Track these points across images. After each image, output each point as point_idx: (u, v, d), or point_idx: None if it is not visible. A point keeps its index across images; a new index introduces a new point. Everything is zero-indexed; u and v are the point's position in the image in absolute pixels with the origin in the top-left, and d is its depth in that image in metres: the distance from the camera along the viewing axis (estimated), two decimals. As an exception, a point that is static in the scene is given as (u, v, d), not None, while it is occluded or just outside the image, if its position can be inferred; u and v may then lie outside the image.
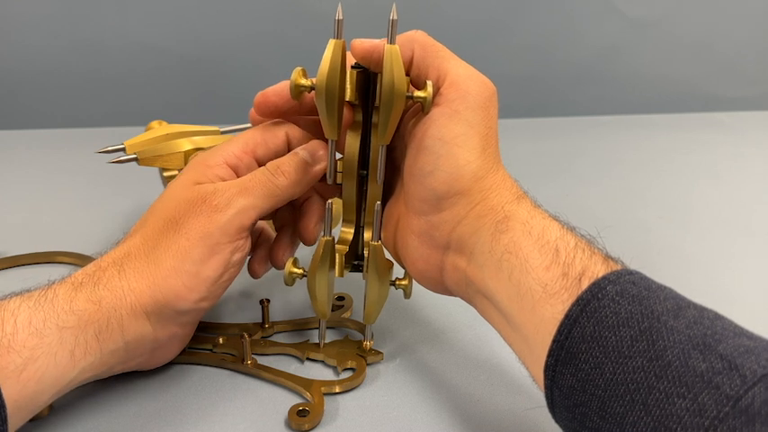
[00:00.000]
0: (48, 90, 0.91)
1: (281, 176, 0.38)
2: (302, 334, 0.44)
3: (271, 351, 0.42)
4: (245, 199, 0.36)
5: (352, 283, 0.47)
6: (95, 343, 0.33)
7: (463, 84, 0.35)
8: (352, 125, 0.39)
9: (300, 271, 0.39)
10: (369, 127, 0.39)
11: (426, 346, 0.44)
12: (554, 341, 0.29)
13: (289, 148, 0.40)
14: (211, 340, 0.43)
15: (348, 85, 0.37)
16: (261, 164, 0.39)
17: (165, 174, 0.52)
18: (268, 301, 0.44)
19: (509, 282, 0.32)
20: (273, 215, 0.43)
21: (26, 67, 0.89)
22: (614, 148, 0.85)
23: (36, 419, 0.36)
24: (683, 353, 0.26)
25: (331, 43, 0.34)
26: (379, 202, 0.37)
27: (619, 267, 0.30)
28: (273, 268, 0.43)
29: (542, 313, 0.30)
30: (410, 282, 0.40)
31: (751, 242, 0.60)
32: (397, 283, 0.40)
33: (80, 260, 0.52)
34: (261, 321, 0.45)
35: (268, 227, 0.45)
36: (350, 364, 0.41)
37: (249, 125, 0.41)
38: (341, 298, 0.47)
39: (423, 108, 0.35)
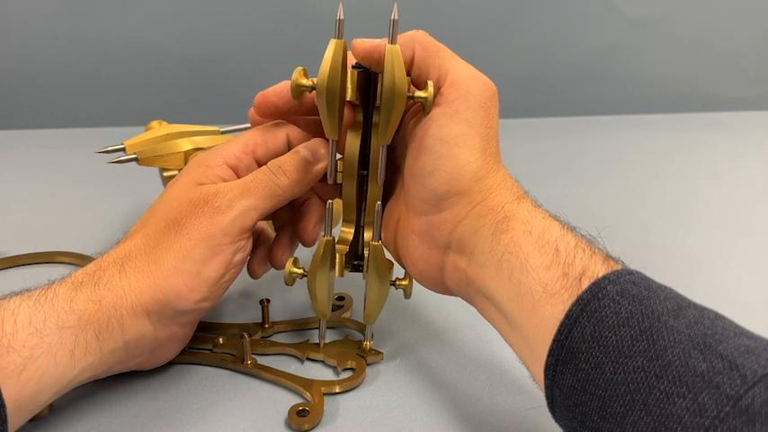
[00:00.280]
0: (48, 90, 0.91)
1: (283, 176, 0.38)
2: (302, 334, 0.44)
3: (271, 351, 0.42)
4: (247, 200, 0.36)
5: (352, 283, 0.47)
6: (95, 342, 0.33)
7: (464, 84, 0.35)
8: (352, 125, 0.39)
9: (300, 271, 0.39)
10: (369, 127, 0.39)
11: (426, 346, 0.44)
12: (554, 341, 0.29)
13: (289, 149, 0.40)
14: (211, 340, 0.43)
15: (349, 85, 0.37)
16: (261, 165, 0.39)
17: (165, 174, 0.52)
18: (268, 301, 0.44)
19: (509, 282, 0.32)
20: (273, 215, 0.43)
21: (26, 67, 0.89)
22: (614, 148, 0.85)
23: (36, 419, 0.36)
24: (684, 353, 0.26)
25: (332, 43, 0.34)
26: (379, 202, 0.37)
27: (619, 267, 0.30)
28: (273, 268, 0.43)
29: (543, 313, 0.30)
30: (410, 282, 0.40)
31: (751, 242, 0.60)
32: (398, 283, 0.40)
33: (80, 260, 0.52)
34: (261, 321, 0.45)
35: (268, 227, 0.45)
36: (350, 364, 0.41)
37: (249, 125, 0.41)
38: (341, 298, 0.47)
39: (423, 108, 0.35)
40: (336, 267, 0.40)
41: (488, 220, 0.34)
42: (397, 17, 0.34)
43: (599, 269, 0.30)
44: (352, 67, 0.37)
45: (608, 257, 0.31)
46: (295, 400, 0.38)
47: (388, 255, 0.40)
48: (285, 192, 0.38)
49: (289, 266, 0.39)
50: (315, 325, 0.45)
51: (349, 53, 0.37)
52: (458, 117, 0.34)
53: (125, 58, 0.90)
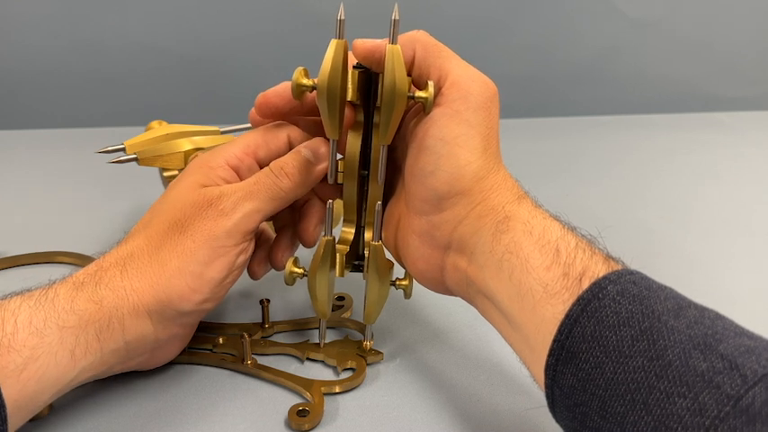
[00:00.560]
0: (48, 90, 0.91)
1: (285, 179, 0.38)
2: (302, 334, 0.44)
3: (271, 351, 0.42)
4: (251, 203, 0.37)
5: (353, 283, 0.47)
6: (96, 342, 0.33)
7: (465, 84, 0.35)
8: (353, 125, 0.39)
9: (301, 271, 0.39)
10: (370, 127, 0.39)
11: (426, 346, 0.44)
12: (555, 341, 0.29)
13: (290, 149, 0.40)
14: (211, 340, 0.43)
15: (350, 85, 0.37)
16: (262, 165, 0.39)
17: (165, 174, 0.52)
18: (268, 301, 0.44)
19: (510, 282, 0.32)
20: (274, 216, 0.43)
21: (26, 67, 0.89)
22: (614, 148, 0.85)
23: (36, 419, 0.36)
24: (684, 352, 0.26)
25: (333, 43, 0.34)
26: (379, 203, 0.37)
27: (619, 267, 0.30)
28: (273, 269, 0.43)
29: (543, 313, 0.30)
30: (410, 282, 0.40)
31: (751, 242, 0.60)
32: (398, 283, 0.40)
33: (80, 260, 0.52)
34: (261, 321, 0.45)
35: (268, 228, 0.45)
36: (350, 364, 0.41)
37: (249, 125, 0.41)
38: (341, 298, 0.47)
39: (424, 108, 0.35)
40: (337, 267, 0.40)
41: (489, 220, 0.34)
42: (397, 17, 0.34)
43: (599, 269, 0.30)
44: (353, 67, 0.37)
45: (608, 257, 0.31)
46: (295, 400, 0.38)
47: (388, 255, 0.40)
48: (288, 194, 0.38)
49: (289, 266, 0.39)
50: (315, 325, 0.45)
51: (350, 53, 0.37)
52: (458, 117, 0.34)
53: (125, 58, 0.90)
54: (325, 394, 0.38)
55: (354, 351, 0.42)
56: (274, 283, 0.50)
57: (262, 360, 0.41)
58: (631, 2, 0.96)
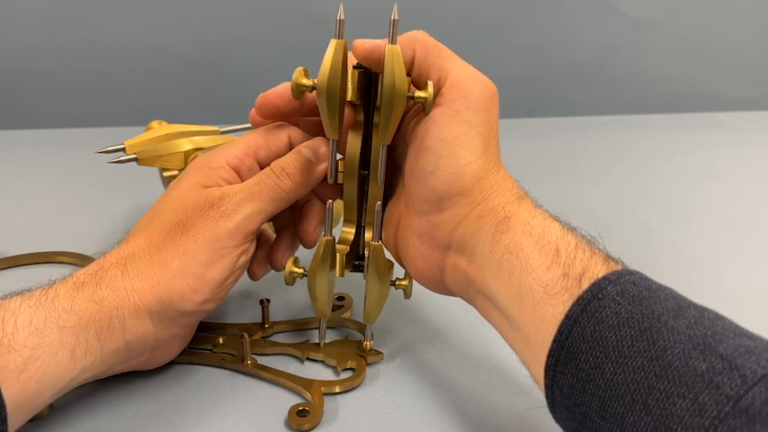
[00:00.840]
0: (48, 90, 0.91)
1: (287, 179, 0.38)
2: (302, 334, 0.44)
3: (271, 351, 0.42)
4: (253, 204, 0.37)
5: (353, 283, 0.47)
6: (96, 342, 0.33)
7: (464, 84, 0.35)
8: (353, 125, 0.39)
9: (301, 270, 0.39)
10: (370, 127, 0.39)
11: (426, 346, 0.44)
12: (554, 341, 0.29)
13: (290, 150, 0.40)
14: (211, 340, 0.43)
15: (349, 85, 0.37)
16: (262, 166, 0.39)
17: (165, 174, 0.52)
18: (268, 301, 0.44)
19: (509, 282, 0.32)
20: (274, 217, 0.43)
21: (26, 67, 0.89)
22: (614, 148, 0.85)
23: (36, 419, 0.36)
24: (684, 353, 0.26)
25: (332, 43, 0.34)
26: (379, 203, 0.37)
27: (619, 267, 0.30)
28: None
29: (543, 313, 0.30)
30: (410, 282, 0.40)
31: (751, 242, 0.60)
32: (398, 283, 0.40)
33: (80, 260, 0.52)
34: (261, 321, 0.45)
35: (268, 228, 0.45)
36: (350, 364, 0.41)
37: (249, 126, 0.41)
38: (341, 298, 0.47)
39: (424, 108, 0.35)
40: (337, 267, 0.40)
41: (489, 220, 0.34)
42: (397, 17, 0.34)
43: (599, 269, 0.30)
44: (353, 67, 0.37)
45: (608, 258, 0.31)
46: (295, 400, 0.39)
47: (388, 255, 0.40)
48: (289, 194, 0.38)
49: (289, 266, 0.39)
50: (315, 325, 0.45)
51: (349, 53, 0.37)
52: (458, 117, 0.34)
53: (125, 58, 0.90)
54: (325, 394, 0.38)
55: (354, 351, 0.42)
56: (274, 283, 0.50)
57: (262, 360, 0.41)
58: (631, 2, 0.96)
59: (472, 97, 0.35)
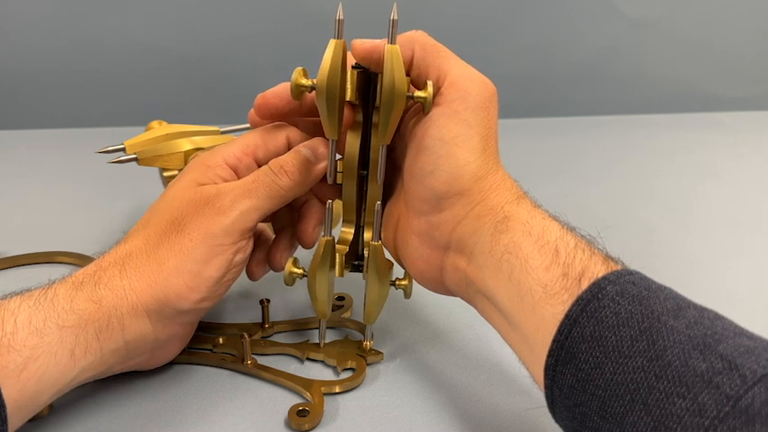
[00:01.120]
0: (48, 90, 0.91)
1: (284, 177, 0.38)
2: (302, 334, 0.44)
3: (271, 351, 0.42)
4: (249, 201, 0.37)
5: (352, 283, 0.47)
6: (96, 342, 0.33)
7: (463, 84, 0.35)
8: (352, 125, 0.39)
9: (300, 271, 0.39)
10: (369, 127, 0.39)
11: (426, 346, 0.44)
12: (554, 341, 0.29)
13: (289, 150, 0.40)
14: (211, 340, 0.43)
15: (348, 85, 0.37)
16: (261, 166, 0.39)
17: (165, 174, 0.52)
18: (268, 301, 0.44)
19: (509, 282, 0.32)
20: (273, 217, 0.43)
21: (26, 67, 0.89)
22: (614, 148, 0.85)
23: (36, 419, 0.36)
24: (683, 353, 0.26)
25: (332, 43, 0.34)
26: (379, 203, 0.37)
27: (619, 267, 0.30)
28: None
29: (542, 313, 0.30)
30: (410, 282, 0.40)
31: (751, 242, 0.60)
32: (397, 283, 0.40)
33: (80, 260, 0.53)
34: (261, 321, 0.45)
35: (268, 229, 0.45)
36: (350, 364, 0.41)
37: (249, 126, 0.41)
38: (341, 298, 0.47)
39: (423, 108, 0.35)
40: (336, 267, 0.40)
41: (488, 220, 0.34)
42: (396, 17, 0.34)
43: (599, 269, 0.30)
44: (352, 67, 0.37)
45: (608, 258, 0.31)
46: (295, 400, 0.39)
47: (387, 255, 0.40)
48: (287, 192, 0.38)
49: (289, 266, 0.39)
50: (315, 325, 0.45)
51: (349, 53, 0.37)
52: (457, 117, 0.34)
53: (125, 58, 0.90)
54: (325, 394, 0.38)
55: (354, 351, 0.42)
56: (274, 283, 0.50)
57: (262, 360, 0.41)
58: (631, 2, 0.96)
59: (471, 97, 0.35)
